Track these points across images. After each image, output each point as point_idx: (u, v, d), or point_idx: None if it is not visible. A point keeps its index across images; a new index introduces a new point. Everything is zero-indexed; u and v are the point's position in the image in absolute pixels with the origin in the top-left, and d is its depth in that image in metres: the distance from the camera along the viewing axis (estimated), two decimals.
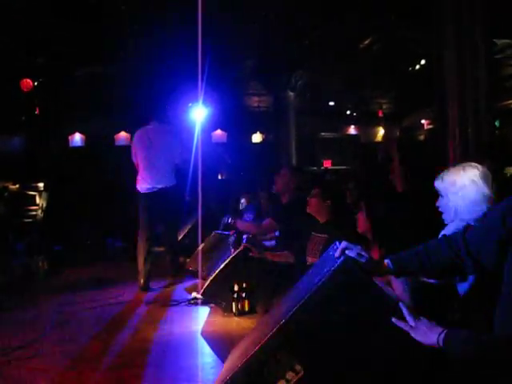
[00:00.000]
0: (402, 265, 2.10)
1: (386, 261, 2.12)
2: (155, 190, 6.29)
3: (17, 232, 9.47)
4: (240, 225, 5.96)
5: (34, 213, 9.93)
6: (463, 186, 2.50)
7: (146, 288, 6.12)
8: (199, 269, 6.12)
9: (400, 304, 1.98)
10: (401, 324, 1.94)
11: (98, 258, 9.08)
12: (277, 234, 6.21)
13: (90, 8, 9.19)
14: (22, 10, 8.88)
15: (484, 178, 2.48)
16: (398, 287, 2.68)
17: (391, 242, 3.03)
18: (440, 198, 2.66)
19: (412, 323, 1.93)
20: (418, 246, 2.13)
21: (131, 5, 9.34)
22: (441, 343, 1.83)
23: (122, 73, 12.07)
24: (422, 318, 1.94)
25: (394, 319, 1.95)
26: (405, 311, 1.95)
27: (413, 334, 1.91)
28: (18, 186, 9.92)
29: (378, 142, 17.45)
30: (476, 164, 2.55)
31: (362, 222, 3.59)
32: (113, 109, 13.22)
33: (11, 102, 11.15)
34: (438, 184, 2.64)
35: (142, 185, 6.35)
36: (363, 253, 2.07)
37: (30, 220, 9.81)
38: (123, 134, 14.54)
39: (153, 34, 9.76)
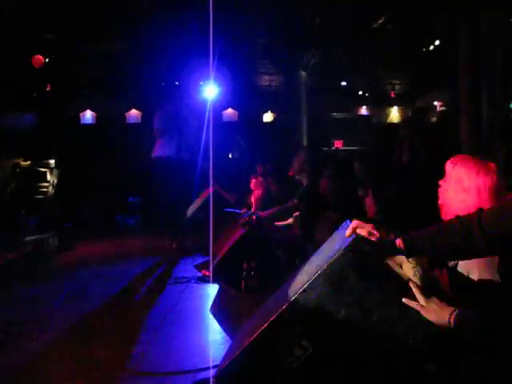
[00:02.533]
0: (414, 244, 2.06)
1: (398, 240, 2.09)
2: None
3: (28, 208, 9.54)
4: (263, 213, 5.76)
5: (45, 189, 9.99)
6: (466, 190, 2.42)
7: None
8: (210, 247, 6.14)
9: (410, 283, 1.97)
10: (412, 303, 1.93)
11: (107, 234, 9.14)
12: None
13: None
14: None
15: (492, 189, 2.36)
16: (408, 267, 2.65)
17: (401, 222, 3.00)
18: (444, 179, 2.58)
19: (423, 303, 1.91)
20: (430, 226, 2.10)
21: None
22: (453, 322, 1.82)
23: (134, 50, 12.01)
24: (433, 297, 1.92)
25: (404, 299, 1.94)
26: (415, 291, 1.94)
27: (424, 314, 1.90)
28: (29, 162, 9.97)
29: (392, 124, 17.33)
30: (493, 168, 2.43)
31: (370, 206, 3.55)
32: (124, 86, 13.17)
33: (22, 78, 11.14)
34: (448, 166, 2.55)
35: None
36: (374, 231, 2.05)
37: (41, 196, 9.87)
38: (134, 112, 14.50)
39: (164, 10, 9.67)
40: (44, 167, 10.06)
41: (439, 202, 2.60)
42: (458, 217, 2.08)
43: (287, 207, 5.77)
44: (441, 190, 2.58)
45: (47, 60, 10.55)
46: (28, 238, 8.40)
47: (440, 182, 2.59)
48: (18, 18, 9.54)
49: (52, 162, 10.20)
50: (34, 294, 5.13)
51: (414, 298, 1.93)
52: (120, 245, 8.06)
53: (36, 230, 9.16)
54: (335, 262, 2.00)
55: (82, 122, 14.50)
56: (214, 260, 5.44)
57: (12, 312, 4.49)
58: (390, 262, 2.04)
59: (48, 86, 11.38)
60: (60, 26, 10.31)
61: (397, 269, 2.02)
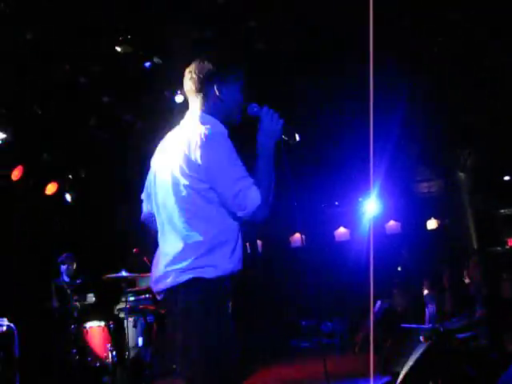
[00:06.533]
0: None
1: None
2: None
3: None
4: (451, 326, 5.49)
5: None
6: None
7: None
8: (391, 367, 5.97)
9: None
10: None
11: (283, 357, 9.17)
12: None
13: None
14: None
15: None
16: None
17: None
18: None
19: None
20: None
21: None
22: None
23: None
24: None
25: None
26: None
27: None
28: None
29: None
30: None
31: None
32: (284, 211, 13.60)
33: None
34: None
35: None
36: None
37: None
38: (297, 236, 14.77)
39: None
40: None
41: None
42: None
43: (478, 321, 5.38)
44: None
45: None
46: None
47: None
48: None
49: None
50: None
51: None
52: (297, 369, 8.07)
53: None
54: None
55: None
56: (396, 379, 5.25)
57: None
58: None
59: None
60: None
61: None
